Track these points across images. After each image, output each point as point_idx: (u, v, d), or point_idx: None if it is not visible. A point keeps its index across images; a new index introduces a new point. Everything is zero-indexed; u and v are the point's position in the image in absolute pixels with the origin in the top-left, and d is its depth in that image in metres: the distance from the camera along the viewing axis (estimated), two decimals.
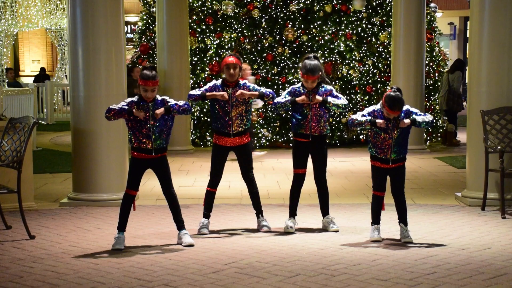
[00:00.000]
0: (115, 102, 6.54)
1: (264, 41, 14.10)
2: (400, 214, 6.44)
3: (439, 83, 14.89)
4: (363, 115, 6.33)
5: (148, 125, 6.17)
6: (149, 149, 6.20)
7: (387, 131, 6.29)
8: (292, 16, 14.19)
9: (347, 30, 14.26)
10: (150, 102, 6.20)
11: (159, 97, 6.27)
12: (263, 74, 13.98)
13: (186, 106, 6.28)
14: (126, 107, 6.15)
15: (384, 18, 14.39)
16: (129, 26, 28.81)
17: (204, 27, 14.22)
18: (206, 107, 13.58)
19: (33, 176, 8.10)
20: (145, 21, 14.73)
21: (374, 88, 14.10)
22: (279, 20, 14.20)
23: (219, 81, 6.77)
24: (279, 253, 5.94)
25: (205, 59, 14.14)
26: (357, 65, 14.22)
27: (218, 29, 14.21)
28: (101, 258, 5.85)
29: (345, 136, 14.06)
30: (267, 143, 13.79)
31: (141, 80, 6.16)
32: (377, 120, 6.25)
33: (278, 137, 13.85)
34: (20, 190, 6.59)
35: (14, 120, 7.07)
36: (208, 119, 13.78)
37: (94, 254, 5.98)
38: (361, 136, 14.03)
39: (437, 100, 14.56)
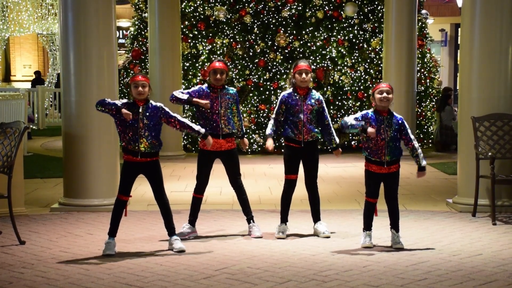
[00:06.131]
0: None
1: (256, 46, 14.11)
2: (392, 220, 6.43)
3: (430, 90, 14.95)
4: (356, 118, 6.31)
5: (136, 125, 6.14)
6: (136, 152, 6.18)
7: (380, 132, 6.28)
8: (284, 22, 14.21)
9: (339, 36, 14.28)
10: (142, 105, 6.19)
11: (153, 102, 6.26)
12: (255, 80, 13.99)
13: (186, 124, 6.31)
14: (119, 104, 6.15)
15: (375, 25, 14.42)
16: (121, 31, 28.79)
17: (196, 32, 14.23)
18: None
19: (24, 181, 8.07)
20: (137, 26, 14.72)
21: (365, 94, 14.09)
22: (271, 26, 14.21)
23: (205, 85, 6.77)
24: (271, 259, 5.94)
25: (197, 65, 14.14)
26: (348, 71, 14.24)
27: (210, 34, 14.21)
28: (91, 263, 5.83)
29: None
30: (259, 149, 13.78)
31: (131, 79, 6.21)
32: (369, 130, 6.21)
33: None
34: (10, 195, 6.57)
35: (4, 125, 7.04)
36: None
37: (84, 259, 5.96)
38: (352, 142, 14.04)
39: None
